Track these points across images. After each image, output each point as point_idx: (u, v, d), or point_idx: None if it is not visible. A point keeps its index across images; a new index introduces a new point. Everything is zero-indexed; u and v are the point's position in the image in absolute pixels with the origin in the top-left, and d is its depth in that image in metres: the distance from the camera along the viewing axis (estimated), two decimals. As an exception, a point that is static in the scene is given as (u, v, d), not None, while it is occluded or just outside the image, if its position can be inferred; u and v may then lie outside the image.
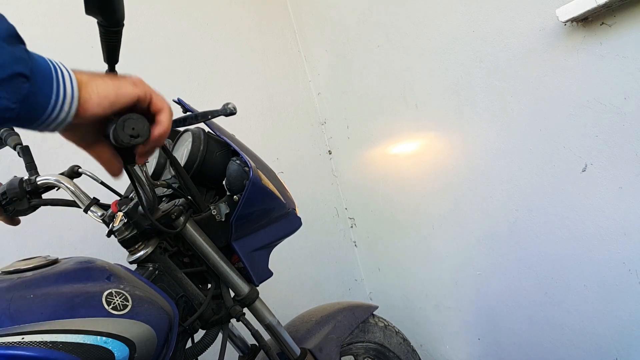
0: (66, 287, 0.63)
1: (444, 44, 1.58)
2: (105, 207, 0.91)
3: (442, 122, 1.65)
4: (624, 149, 1.19)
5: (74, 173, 0.96)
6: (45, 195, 0.95)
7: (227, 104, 0.76)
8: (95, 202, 0.89)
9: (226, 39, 2.03)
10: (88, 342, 0.57)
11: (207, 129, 0.94)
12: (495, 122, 1.47)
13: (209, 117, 0.76)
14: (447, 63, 1.58)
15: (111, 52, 0.66)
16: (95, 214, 0.89)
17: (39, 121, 0.47)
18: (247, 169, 0.90)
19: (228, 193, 0.95)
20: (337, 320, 1.13)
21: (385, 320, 1.29)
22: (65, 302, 0.60)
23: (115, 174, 0.60)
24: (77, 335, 0.56)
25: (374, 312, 1.27)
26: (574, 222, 1.33)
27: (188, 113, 0.79)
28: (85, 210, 0.89)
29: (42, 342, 0.54)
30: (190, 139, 0.93)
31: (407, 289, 2.00)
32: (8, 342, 0.52)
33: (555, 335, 1.45)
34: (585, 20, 1.18)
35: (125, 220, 0.82)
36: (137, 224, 0.82)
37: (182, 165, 0.90)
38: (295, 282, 2.03)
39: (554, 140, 1.33)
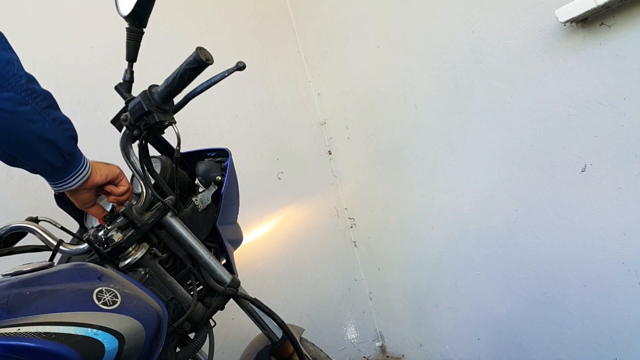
0: (60, 285, 0.67)
1: (443, 44, 1.58)
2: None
3: (441, 122, 1.65)
4: (624, 149, 1.19)
5: (33, 221, 0.96)
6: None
7: (239, 62, 0.86)
8: (61, 242, 0.90)
9: (226, 39, 2.03)
10: (79, 334, 0.60)
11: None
12: (494, 122, 1.47)
13: (226, 74, 0.86)
14: (447, 63, 1.58)
15: (134, 50, 0.93)
16: (67, 249, 0.89)
17: (65, 178, 0.82)
18: (217, 161, 1.08)
19: (201, 189, 1.09)
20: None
21: (309, 340, 1.42)
22: (58, 298, 0.64)
23: (99, 216, 0.95)
24: (69, 327, 0.60)
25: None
26: (574, 222, 1.34)
27: (208, 79, 0.87)
28: (55, 249, 0.88)
29: (36, 332, 0.57)
30: (160, 162, 1.06)
31: (407, 289, 2.00)
32: (5, 333, 0.56)
33: (555, 335, 1.45)
34: (585, 20, 1.18)
35: (116, 227, 0.87)
36: (133, 223, 0.87)
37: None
38: (295, 282, 2.04)
39: (553, 141, 1.33)
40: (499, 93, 1.44)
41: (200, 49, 0.80)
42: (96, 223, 1.05)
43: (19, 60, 0.73)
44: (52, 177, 0.82)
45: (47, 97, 0.76)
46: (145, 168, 0.94)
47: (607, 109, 1.20)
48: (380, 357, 2.19)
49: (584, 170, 1.28)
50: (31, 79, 0.74)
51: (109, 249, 0.85)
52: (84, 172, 0.84)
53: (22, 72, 0.72)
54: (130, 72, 0.97)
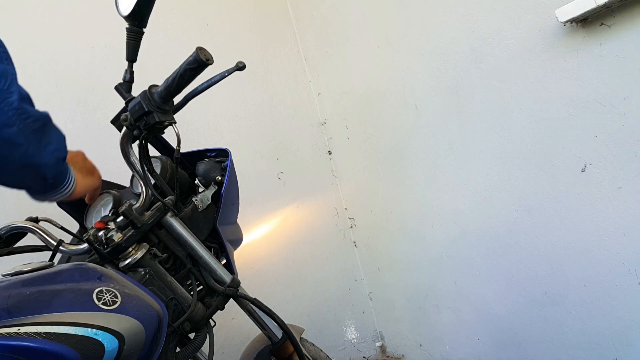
0: (60, 285, 0.67)
1: (443, 45, 1.58)
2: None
3: (441, 122, 1.65)
4: (624, 149, 1.19)
5: (33, 221, 0.97)
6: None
7: (239, 62, 0.85)
8: (61, 242, 0.90)
9: (226, 40, 2.03)
10: (79, 334, 0.60)
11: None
12: (494, 122, 1.47)
13: (226, 74, 0.85)
14: (447, 63, 1.58)
15: (135, 50, 0.95)
16: (67, 249, 0.89)
17: (54, 191, 0.77)
18: (217, 161, 1.09)
19: (201, 189, 1.09)
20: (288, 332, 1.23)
21: (309, 340, 1.42)
22: (58, 298, 0.64)
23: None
24: (69, 327, 0.60)
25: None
26: (574, 222, 1.34)
27: (208, 79, 0.86)
28: (55, 249, 0.88)
29: (36, 332, 0.57)
30: (160, 162, 1.06)
31: (407, 289, 2.00)
32: (5, 333, 0.56)
33: (555, 335, 1.45)
34: (585, 20, 1.18)
35: (116, 227, 0.87)
36: (133, 223, 0.88)
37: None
38: (295, 282, 2.04)
39: (553, 141, 1.33)
40: (499, 93, 1.44)
41: (200, 49, 0.80)
42: None
43: (15, 74, 0.65)
44: (31, 195, 0.77)
45: (40, 118, 0.68)
46: (145, 168, 0.94)
47: (607, 109, 1.20)
48: (380, 357, 2.19)
49: (584, 170, 1.28)
50: (24, 97, 0.65)
51: (109, 249, 0.85)
52: (66, 190, 0.79)
53: (14, 87, 0.64)
54: (130, 72, 0.97)
